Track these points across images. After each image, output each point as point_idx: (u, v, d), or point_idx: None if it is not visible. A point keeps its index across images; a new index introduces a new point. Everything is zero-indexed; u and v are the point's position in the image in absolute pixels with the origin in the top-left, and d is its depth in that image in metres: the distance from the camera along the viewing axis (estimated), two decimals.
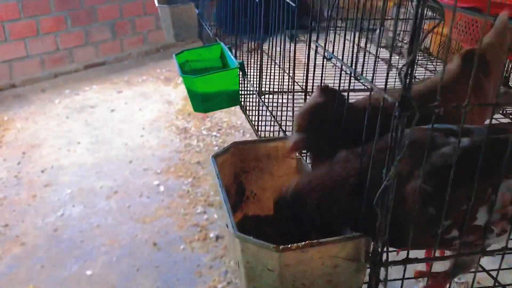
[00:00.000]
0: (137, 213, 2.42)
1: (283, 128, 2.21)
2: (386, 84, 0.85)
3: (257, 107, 2.46)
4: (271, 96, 2.61)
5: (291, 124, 1.83)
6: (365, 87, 2.83)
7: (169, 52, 4.63)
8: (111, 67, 4.31)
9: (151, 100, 3.78)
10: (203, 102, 2.15)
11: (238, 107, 2.67)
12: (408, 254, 0.95)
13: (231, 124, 3.42)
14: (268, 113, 2.32)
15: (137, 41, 4.45)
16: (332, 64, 2.70)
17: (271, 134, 2.34)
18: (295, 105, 2.06)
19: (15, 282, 1.99)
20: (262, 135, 2.33)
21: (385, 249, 0.91)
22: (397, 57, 3.51)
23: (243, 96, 2.59)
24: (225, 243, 2.19)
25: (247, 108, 2.59)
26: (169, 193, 2.59)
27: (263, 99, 2.41)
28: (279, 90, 2.62)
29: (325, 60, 1.31)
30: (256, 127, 2.37)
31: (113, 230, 2.30)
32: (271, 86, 2.59)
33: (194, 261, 2.09)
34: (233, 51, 2.47)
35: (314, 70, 1.76)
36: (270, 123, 2.35)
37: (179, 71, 2.28)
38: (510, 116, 2.30)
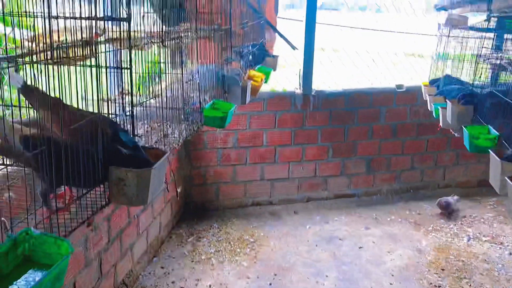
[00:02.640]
0: None
1: None
2: None
3: None
4: None
5: None
6: None
7: (420, 194, 4.46)
8: (360, 200, 4.34)
9: (400, 244, 3.59)
10: None
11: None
12: None
13: None
14: None
15: (389, 178, 4.44)
16: None
17: None
18: None
19: None
20: None
21: None
22: None
23: None
24: None
25: None
26: None
27: None
28: None
29: None
30: None
31: None
32: None
33: None
34: None
35: None
36: None
37: None
38: None
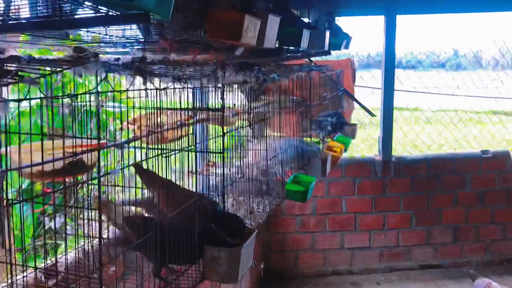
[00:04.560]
0: None
1: None
2: None
3: None
4: None
5: None
6: None
7: None
8: (448, 271, 4.10)
9: None
10: None
11: None
12: None
13: None
14: None
15: (479, 249, 4.17)
16: None
17: None
18: None
19: None
20: None
21: None
22: None
23: None
24: None
25: None
26: None
27: None
28: None
29: None
30: None
31: None
32: None
33: None
34: None
35: None
36: None
37: None
38: None
